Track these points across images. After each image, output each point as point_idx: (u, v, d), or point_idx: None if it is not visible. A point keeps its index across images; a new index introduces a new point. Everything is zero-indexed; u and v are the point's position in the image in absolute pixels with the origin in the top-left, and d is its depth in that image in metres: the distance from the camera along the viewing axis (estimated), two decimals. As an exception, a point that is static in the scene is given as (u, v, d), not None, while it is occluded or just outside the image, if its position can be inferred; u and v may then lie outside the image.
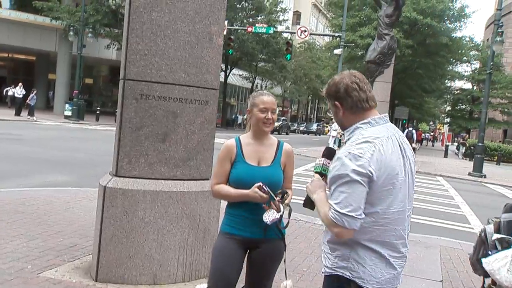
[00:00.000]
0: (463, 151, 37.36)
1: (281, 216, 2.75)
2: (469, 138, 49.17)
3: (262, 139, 2.95)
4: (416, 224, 8.45)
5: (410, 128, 33.62)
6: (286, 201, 2.78)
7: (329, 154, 2.43)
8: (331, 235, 2.26)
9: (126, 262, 4.20)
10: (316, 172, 2.45)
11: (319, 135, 55.49)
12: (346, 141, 2.27)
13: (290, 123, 56.40)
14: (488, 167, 22.47)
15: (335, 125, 26.58)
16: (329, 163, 2.35)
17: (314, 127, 59.94)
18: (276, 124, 40.30)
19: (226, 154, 2.90)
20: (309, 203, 2.41)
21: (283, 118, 50.82)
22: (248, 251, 2.95)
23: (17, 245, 5.01)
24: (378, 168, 2.12)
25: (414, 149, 26.10)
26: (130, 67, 4.18)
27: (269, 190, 2.72)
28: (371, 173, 2.10)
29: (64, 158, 12.62)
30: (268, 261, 2.96)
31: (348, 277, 2.22)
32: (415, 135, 32.29)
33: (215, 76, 4.48)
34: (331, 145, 24.84)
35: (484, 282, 3.76)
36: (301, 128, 59.16)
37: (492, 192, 15.96)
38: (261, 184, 2.72)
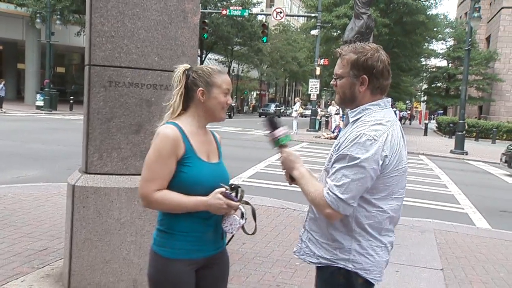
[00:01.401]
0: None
1: (246, 220, 2.13)
2: (445, 115, 49.65)
3: (205, 127, 2.27)
4: (405, 207, 8.16)
5: (394, 109, 35.47)
6: (244, 199, 2.15)
7: (274, 123, 2.24)
8: (328, 224, 2.12)
9: (101, 267, 3.78)
10: (282, 145, 2.20)
11: (278, 117, 50.73)
12: (353, 122, 2.13)
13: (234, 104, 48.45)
14: (468, 144, 22.53)
15: (296, 106, 26.68)
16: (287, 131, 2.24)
17: (272, 107, 50.83)
18: None
19: (172, 149, 2.09)
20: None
21: None
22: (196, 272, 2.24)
23: (-21, 252, 4.54)
24: (390, 152, 2.03)
25: None
26: (96, 51, 3.71)
27: (229, 194, 2.09)
28: (385, 158, 2.01)
29: (36, 151, 12.00)
30: (226, 276, 2.37)
31: (350, 269, 2.12)
32: (398, 115, 34.73)
33: (192, 59, 4.04)
34: (294, 127, 24.79)
35: None
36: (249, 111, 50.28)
37: (477, 170, 15.91)
38: (226, 190, 2.06)
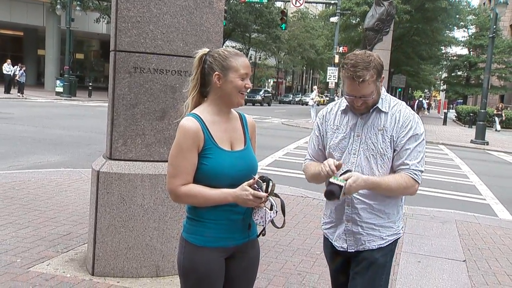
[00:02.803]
0: (498, 123, 31.06)
1: (276, 213, 2.10)
2: (465, 104, 48.87)
3: (226, 112, 2.20)
4: (426, 197, 8.13)
5: (421, 99, 37.52)
6: (275, 191, 2.08)
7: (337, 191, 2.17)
8: (395, 203, 2.42)
9: (125, 253, 3.82)
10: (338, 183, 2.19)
11: (268, 105, 46.32)
12: (386, 110, 2.39)
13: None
14: (489, 134, 22.14)
15: (313, 94, 26.79)
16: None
17: (260, 95, 46.04)
18: None
19: (193, 141, 2.06)
20: (332, 195, 2.18)
21: None
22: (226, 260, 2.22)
23: (5, 235, 4.61)
24: None
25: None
26: (121, 36, 3.71)
27: (259, 186, 2.04)
28: None
29: (56, 136, 12.13)
30: (255, 267, 2.35)
31: (402, 233, 2.50)
32: (425, 104, 37.96)
33: (216, 45, 4.00)
34: (312, 115, 24.63)
35: None
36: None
37: (498, 160, 15.64)
38: (255, 182, 2.01)
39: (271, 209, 2.09)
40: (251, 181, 2.01)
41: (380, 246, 2.40)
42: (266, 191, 2.05)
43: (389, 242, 2.42)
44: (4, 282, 3.62)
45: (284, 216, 2.13)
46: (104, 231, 3.80)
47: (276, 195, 2.09)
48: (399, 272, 4.47)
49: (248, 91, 2.17)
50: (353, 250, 2.43)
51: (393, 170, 2.36)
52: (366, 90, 2.27)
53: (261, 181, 2.04)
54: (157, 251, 3.86)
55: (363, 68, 2.23)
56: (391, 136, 2.32)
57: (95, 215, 3.82)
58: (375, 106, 2.36)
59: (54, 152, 10.01)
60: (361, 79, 2.23)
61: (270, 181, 2.06)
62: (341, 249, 2.46)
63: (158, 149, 3.85)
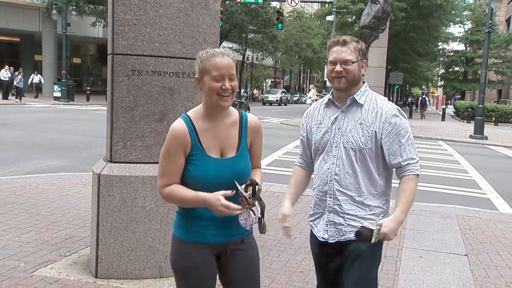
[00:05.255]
0: None
1: (258, 218, 2.10)
2: (463, 99, 48.94)
3: (220, 117, 2.15)
4: (427, 192, 8.15)
5: (424, 96, 39.25)
6: (260, 196, 2.08)
7: (366, 233, 2.31)
8: (379, 195, 2.43)
9: (128, 255, 3.84)
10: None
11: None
12: (363, 102, 2.42)
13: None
14: (488, 129, 22.19)
15: (310, 93, 27.74)
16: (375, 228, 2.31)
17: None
18: None
19: (178, 145, 2.08)
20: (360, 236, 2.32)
21: None
22: (218, 258, 2.24)
23: (7, 240, 4.63)
24: None
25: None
26: (119, 40, 3.72)
27: (242, 191, 2.04)
28: None
29: (56, 141, 12.15)
30: (255, 266, 2.32)
31: None
32: (428, 102, 40.05)
33: (213, 46, 3.99)
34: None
35: None
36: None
37: (497, 155, 15.67)
38: (233, 192, 2.03)
39: (259, 213, 2.11)
40: (228, 192, 2.01)
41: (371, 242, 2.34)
42: (253, 195, 2.05)
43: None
44: (8, 286, 3.63)
45: (263, 219, 2.11)
46: (107, 234, 3.81)
47: (260, 199, 2.08)
48: (401, 268, 4.49)
49: (228, 93, 2.07)
50: (334, 241, 2.44)
51: (389, 167, 2.42)
52: (348, 54, 2.36)
53: (243, 190, 2.04)
54: (160, 252, 3.88)
55: (347, 37, 2.41)
56: (373, 131, 2.36)
57: (97, 218, 3.84)
58: (352, 97, 2.40)
59: (54, 156, 10.01)
60: (342, 40, 2.39)
61: (257, 185, 2.06)
62: (322, 240, 2.48)
63: (158, 150, 3.81)
